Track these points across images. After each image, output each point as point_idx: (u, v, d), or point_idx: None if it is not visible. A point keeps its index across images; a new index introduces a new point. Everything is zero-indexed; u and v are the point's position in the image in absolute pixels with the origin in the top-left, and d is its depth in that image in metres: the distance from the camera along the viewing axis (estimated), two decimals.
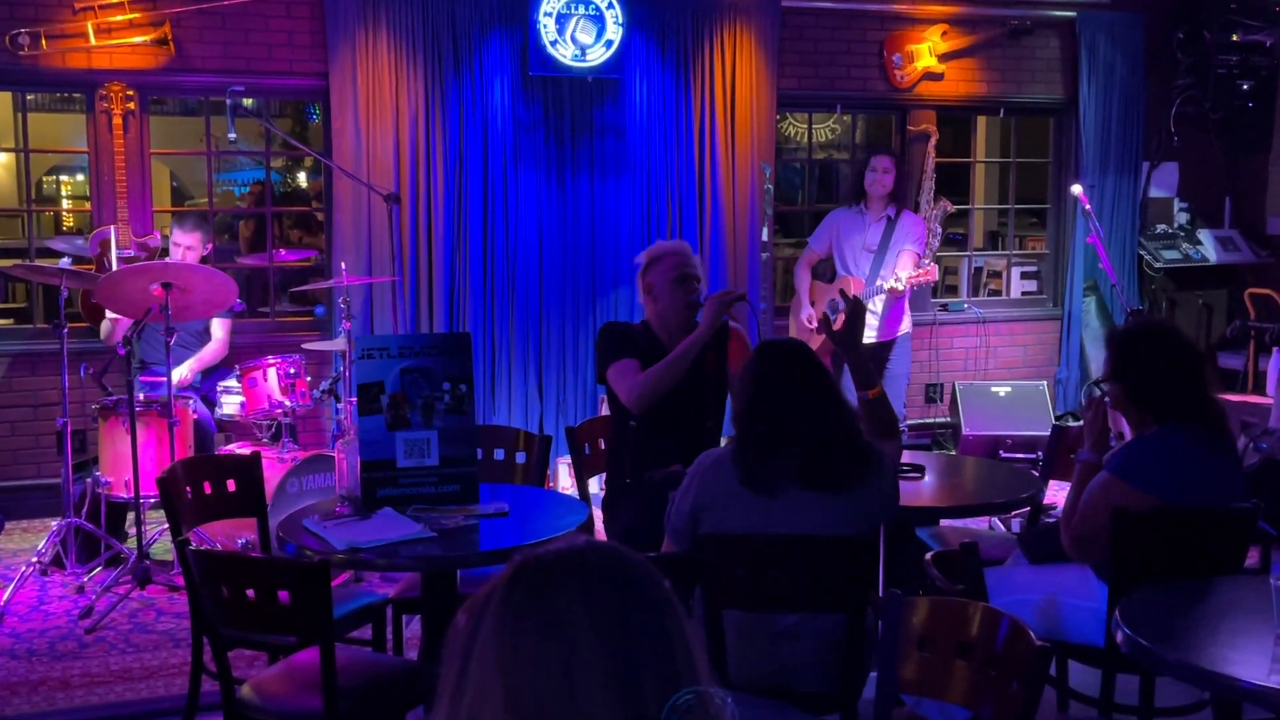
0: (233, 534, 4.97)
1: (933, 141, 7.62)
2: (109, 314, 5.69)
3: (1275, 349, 7.01)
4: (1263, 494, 3.33)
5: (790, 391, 2.96)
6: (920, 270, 6.23)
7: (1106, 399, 3.38)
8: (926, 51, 7.64)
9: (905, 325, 6.53)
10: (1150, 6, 8.00)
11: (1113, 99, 7.94)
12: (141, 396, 5.24)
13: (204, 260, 5.79)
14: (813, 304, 6.53)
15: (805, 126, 8.54)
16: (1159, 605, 2.70)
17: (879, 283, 6.28)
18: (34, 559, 5.19)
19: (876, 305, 6.36)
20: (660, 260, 4.08)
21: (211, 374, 5.91)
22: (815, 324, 6.35)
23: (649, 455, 3.94)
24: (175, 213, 6.31)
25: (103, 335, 5.88)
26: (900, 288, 6.17)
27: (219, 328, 5.95)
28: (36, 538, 5.67)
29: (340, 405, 5.33)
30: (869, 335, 6.40)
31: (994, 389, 7.43)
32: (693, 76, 7.07)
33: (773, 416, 2.95)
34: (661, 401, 3.87)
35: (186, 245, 5.79)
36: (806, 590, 2.86)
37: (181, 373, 5.64)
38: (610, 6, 6.69)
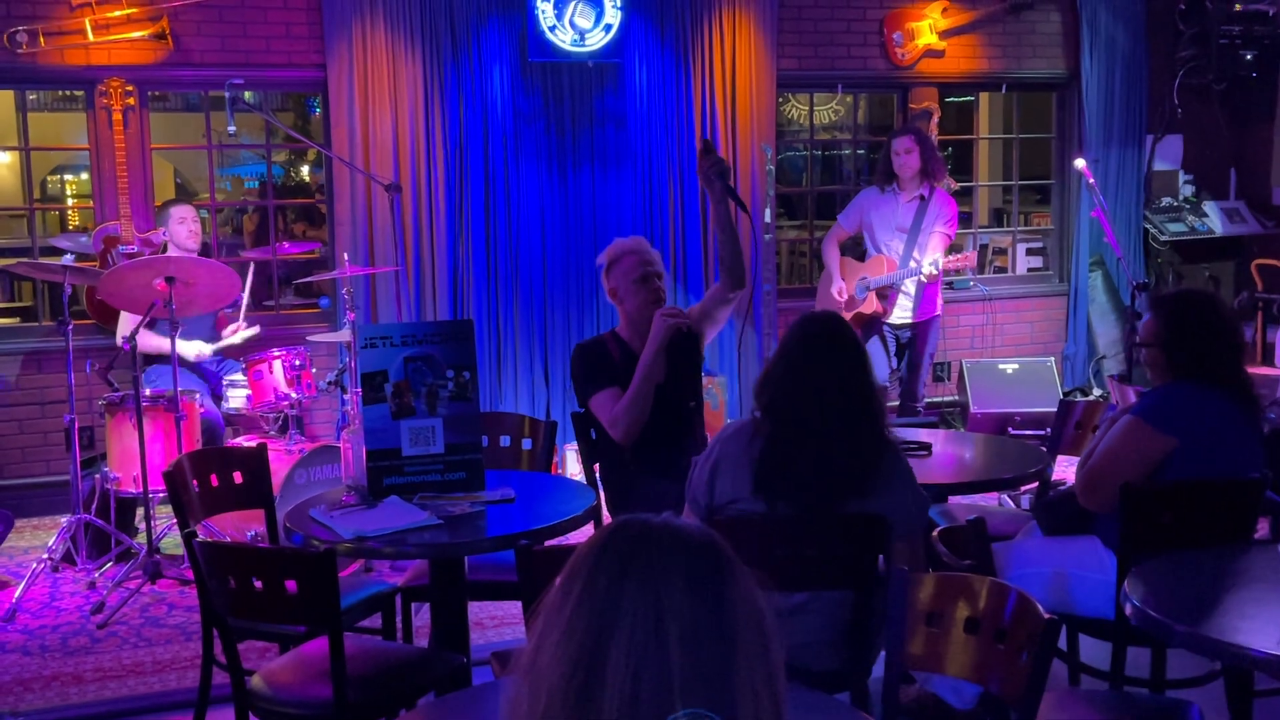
0: (242, 526, 4.98)
1: (935, 119, 7.58)
2: (126, 317, 5.43)
3: None
4: (1272, 464, 3.32)
5: (814, 381, 2.90)
6: (958, 256, 6.21)
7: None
8: (927, 29, 7.60)
9: (938, 306, 6.50)
10: None
11: (1115, 72, 7.90)
12: (148, 391, 5.24)
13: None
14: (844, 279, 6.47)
15: (807, 108, 8.51)
16: (1168, 576, 2.69)
17: (912, 264, 6.24)
18: (45, 556, 5.20)
19: (909, 286, 6.32)
20: (619, 261, 4.08)
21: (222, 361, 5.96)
22: (845, 297, 6.33)
23: (638, 457, 3.99)
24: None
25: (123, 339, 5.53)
26: (936, 273, 6.11)
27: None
28: (47, 535, 5.68)
29: (346, 396, 5.33)
30: (904, 316, 6.38)
31: (1001, 366, 7.41)
32: (692, 59, 7.04)
33: (787, 408, 2.91)
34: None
35: (191, 219, 5.84)
36: (816, 567, 2.85)
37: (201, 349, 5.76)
38: None
